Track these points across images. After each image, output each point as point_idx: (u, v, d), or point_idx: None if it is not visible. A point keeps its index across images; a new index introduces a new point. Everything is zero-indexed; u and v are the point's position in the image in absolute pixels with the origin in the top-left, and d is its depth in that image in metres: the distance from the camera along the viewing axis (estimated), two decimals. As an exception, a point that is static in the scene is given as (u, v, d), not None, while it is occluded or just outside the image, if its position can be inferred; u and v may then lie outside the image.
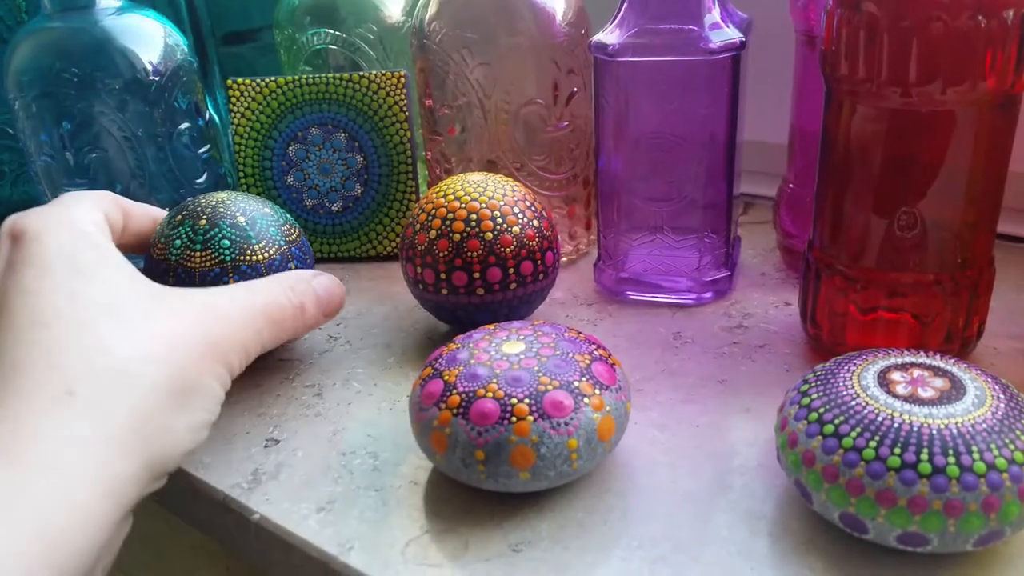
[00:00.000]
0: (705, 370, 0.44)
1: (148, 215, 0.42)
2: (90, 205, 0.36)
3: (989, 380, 0.32)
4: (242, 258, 0.41)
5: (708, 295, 0.50)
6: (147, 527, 0.60)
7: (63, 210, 0.35)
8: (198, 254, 0.41)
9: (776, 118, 0.58)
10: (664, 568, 0.31)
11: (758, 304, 0.50)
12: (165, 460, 0.30)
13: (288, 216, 0.45)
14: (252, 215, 0.42)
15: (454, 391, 0.34)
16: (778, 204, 0.54)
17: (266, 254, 0.42)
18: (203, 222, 0.41)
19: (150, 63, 0.50)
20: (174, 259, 0.41)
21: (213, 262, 0.41)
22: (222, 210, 0.42)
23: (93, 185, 0.51)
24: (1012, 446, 0.29)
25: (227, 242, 0.41)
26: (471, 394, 0.34)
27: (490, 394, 0.34)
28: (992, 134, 0.37)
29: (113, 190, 0.51)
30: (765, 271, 0.54)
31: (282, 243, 0.43)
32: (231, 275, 0.41)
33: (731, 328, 0.47)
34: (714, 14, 0.45)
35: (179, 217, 0.42)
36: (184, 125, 0.52)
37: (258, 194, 0.59)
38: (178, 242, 0.41)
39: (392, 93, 0.56)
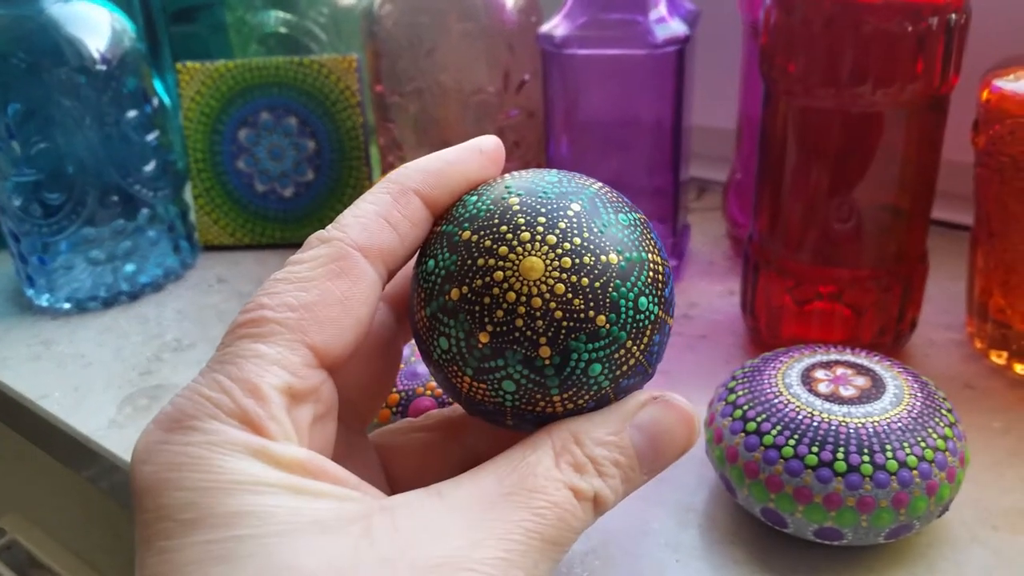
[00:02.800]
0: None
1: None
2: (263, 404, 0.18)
3: (909, 378, 0.33)
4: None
5: (655, 283, 0.51)
6: (104, 510, 0.61)
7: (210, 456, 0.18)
8: (562, 396, 0.20)
9: (731, 104, 0.58)
10: (594, 559, 0.32)
11: (704, 293, 0.51)
12: None
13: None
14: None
15: (393, 389, 0.35)
16: (726, 192, 0.55)
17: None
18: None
19: (97, 50, 0.50)
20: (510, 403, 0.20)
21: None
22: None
23: (41, 175, 0.50)
24: (923, 444, 0.30)
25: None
26: (410, 392, 0.34)
27: (428, 392, 0.34)
28: (922, 133, 0.38)
29: (63, 178, 0.51)
30: (714, 259, 0.55)
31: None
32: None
33: (676, 318, 0.48)
34: (660, 8, 0.45)
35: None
36: (132, 112, 0.52)
37: (208, 179, 0.58)
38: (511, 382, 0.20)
39: (343, 78, 0.56)
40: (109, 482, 0.44)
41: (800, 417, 0.31)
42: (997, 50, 0.42)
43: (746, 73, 0.51)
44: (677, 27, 0.45)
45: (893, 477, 0.29)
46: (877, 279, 0.41)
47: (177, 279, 0.56)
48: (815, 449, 0.30)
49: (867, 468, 0.30)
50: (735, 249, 0.55)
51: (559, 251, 0.19)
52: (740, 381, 0.34)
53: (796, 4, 0.37)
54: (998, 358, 0.42)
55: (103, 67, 0.50)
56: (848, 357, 0.35)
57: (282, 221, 0.59)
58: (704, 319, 0.48)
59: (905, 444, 0.30)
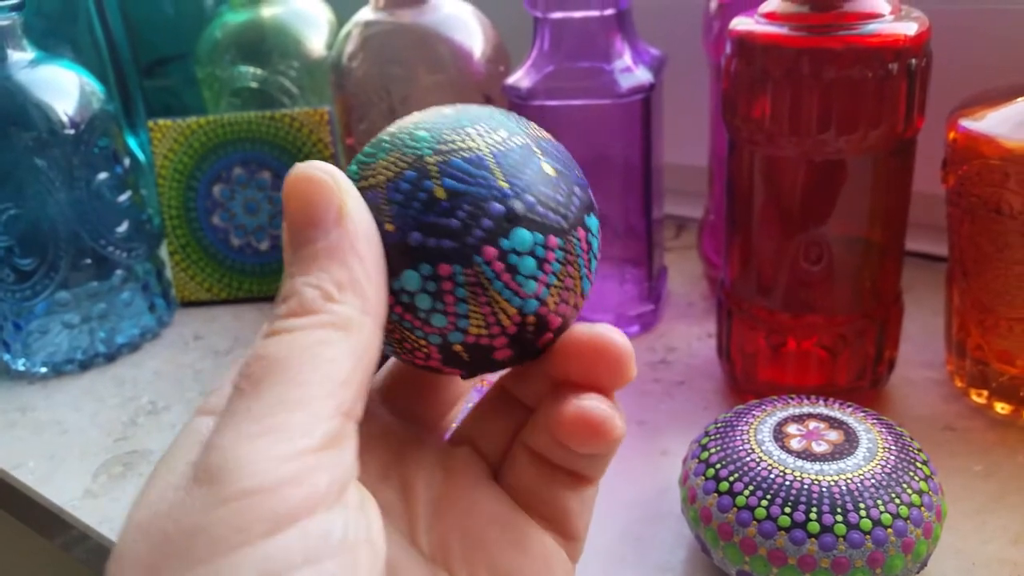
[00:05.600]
0: (624, 410, 0.44)
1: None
2: None
3: (883, 430, 0.33)
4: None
5: (634, 328, 0.51)
6: None
7: None
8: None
9: (706, 142, 0.58)
10: (571, 627, 0.32)
11: (683, 337, 0.50)
12: None
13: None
14: None
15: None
16: (701, 232, 0.55)
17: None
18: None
19: (66, 115, 0.50)
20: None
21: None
22: None
23: (13, 240, 0.50)
24: (898, 500, 0.30)
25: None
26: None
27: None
28: (889, 178, 0.38)
29: (35, 243, 0.50)
30: (692, 300, 0.55)
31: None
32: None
33: (654, 364, 0.48)
34: (625, 57, 0.45)
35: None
36: (103, 175, 0.51)
37: (183, 235, 0.58)
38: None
39: (316, 131, 0.56)
40: (83, 550, 0.43)
41: (772, 476, 0.31)
42: (964, 86, 0.42)
43: (714, 114, 0.51)
44: (642, 75, 0.45)
45: (867, 536, 0.29)
46: (852, 323, 0.40)
47: (154, 338, 0.56)
48: (788, 510, 0.30)
49: (840, 528, 0.29)
50: (712, 290, 0.55)
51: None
52: (713, 437, 0.34)
53: (756, 53, 0.37)
54: (978, 397, 0.42)
55: (72, 131, 0.50)
56: (821, 409, 0.34)
57: (259, 275, 0.59)
58: (682, 364, 0.48)
59: (879, 501, 0.30)
